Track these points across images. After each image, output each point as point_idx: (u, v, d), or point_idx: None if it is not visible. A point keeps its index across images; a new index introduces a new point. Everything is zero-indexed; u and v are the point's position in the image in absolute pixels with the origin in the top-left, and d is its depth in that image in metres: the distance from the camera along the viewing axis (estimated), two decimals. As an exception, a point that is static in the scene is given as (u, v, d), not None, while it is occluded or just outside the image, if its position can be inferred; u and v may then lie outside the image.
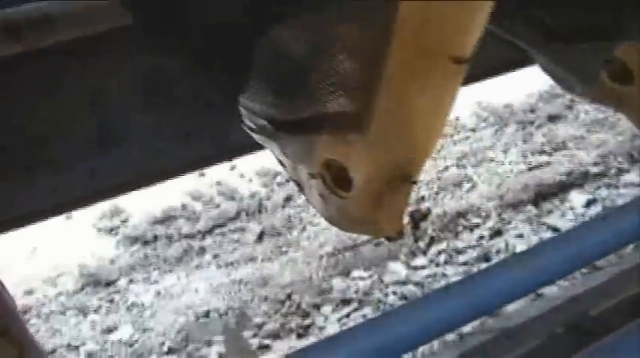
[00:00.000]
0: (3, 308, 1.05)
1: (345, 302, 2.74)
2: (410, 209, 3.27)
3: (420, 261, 2.93)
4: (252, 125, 1.17)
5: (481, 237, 3.02)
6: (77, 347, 2.66)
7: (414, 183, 0.94)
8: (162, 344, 2.62)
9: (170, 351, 2.58)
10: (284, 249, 3.13)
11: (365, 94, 0.86)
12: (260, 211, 3.43)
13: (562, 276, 1.99)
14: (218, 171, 3.69)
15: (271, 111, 1.06)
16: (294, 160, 1.10)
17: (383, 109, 0.86)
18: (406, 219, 3.18)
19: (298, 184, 1.15)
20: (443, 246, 2.99)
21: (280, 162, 1.20)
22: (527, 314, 1.97)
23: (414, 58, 0.81)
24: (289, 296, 2.78)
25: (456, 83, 0.85)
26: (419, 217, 3.19)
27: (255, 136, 1.19)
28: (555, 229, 2.98)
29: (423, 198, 3.40)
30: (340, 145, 0.94)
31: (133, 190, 1.62)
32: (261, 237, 3.25)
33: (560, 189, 3.31)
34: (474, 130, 4.08)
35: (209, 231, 3.35)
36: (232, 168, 3.75)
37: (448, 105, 0.88)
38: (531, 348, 1.73)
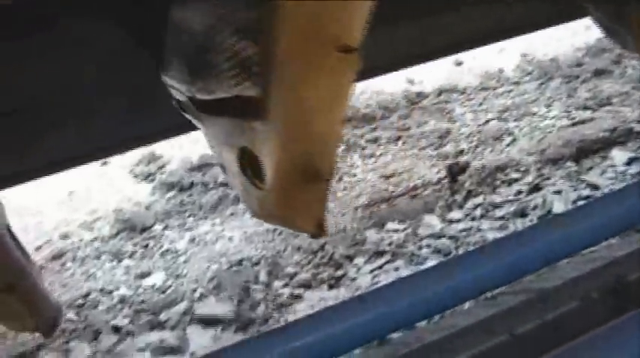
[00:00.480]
0: (13, 265, 1.04)
1: (379, 254, 2.72)
2: (448, 162, 3.23)
3: (455, 214, 2.89)
4: (179, 100, 1.15)
5: (519, 192, 2.97)
6: (111, 292, 2.70)
7: (328, 180, 0.90)
8: (195, 290, 2.64)
9: (202, 298, 2.60)
10: (319, 200, 3.11)
11: (264, 81, 0.84)
12: (296, 160, 3.41)
13: (602, 240, 1.95)
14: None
15: (190, 89, 1.05)
16: (216, 144, 1.08)
17: (278, 97, 0.84)
18: (444, 173, 3.15)
19: (224, 169, 1.13)
20: (480, 199, 2.95)
21: (210, 144, 1.18)
22: (562, 275, 1.92)
23: (298, 45, 0.79)
24: (322, 247, 2.77)
25: (348, 72, 0.82)
26: (457, 170, 3.14)
27: (186, 115, 1.18)
28: (595, 187, 2.91)
29: (462, 151, 3.35)
30: (248, 132, 0.92)
31: (169, 138, 1.61)
32: (296, 186, 3.23)
33: (603, 145, 3.23)
34: (517, 83, 4.00)
35: (245, 179, 3.34)
36: (269, 116, 3.73)
37: (343, 95, 0.84)
38: (565, 312, 1.70)
